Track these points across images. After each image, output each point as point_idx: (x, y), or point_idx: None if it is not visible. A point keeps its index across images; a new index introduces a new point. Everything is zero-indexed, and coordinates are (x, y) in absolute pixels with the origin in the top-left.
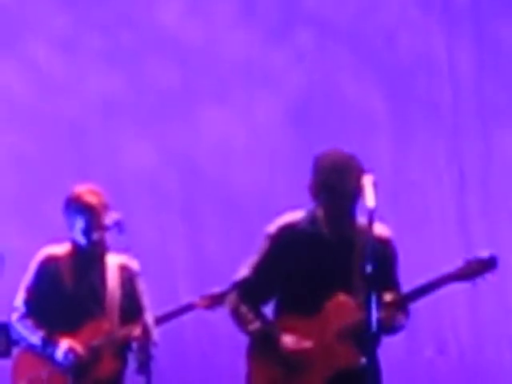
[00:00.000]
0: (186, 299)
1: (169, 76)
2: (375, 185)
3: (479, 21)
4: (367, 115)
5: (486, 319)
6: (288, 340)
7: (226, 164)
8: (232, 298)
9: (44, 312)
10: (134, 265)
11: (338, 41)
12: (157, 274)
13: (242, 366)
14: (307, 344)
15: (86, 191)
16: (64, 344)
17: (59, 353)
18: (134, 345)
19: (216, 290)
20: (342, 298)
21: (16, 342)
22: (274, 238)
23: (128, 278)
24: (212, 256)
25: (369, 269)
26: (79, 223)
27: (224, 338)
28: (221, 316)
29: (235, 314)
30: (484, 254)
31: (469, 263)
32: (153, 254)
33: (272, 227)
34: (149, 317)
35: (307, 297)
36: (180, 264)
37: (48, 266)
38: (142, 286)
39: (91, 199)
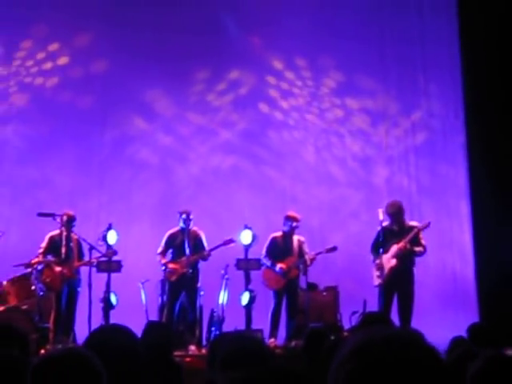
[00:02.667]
0: None
1: None
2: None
3: None
4: None
5: None
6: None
7: None
8: None
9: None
10: (301, 238)
11: None
12: None
13: None
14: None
15: None
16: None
17: (277, 267)
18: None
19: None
20: (396, 245)
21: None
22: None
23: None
24: None
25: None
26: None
27: None
28: None
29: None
30: (426, 222)
31: (424, 224)
32: None
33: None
34: (307, 255)
35: (386, 245)
36: None
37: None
38: (305, 247)
39: None
